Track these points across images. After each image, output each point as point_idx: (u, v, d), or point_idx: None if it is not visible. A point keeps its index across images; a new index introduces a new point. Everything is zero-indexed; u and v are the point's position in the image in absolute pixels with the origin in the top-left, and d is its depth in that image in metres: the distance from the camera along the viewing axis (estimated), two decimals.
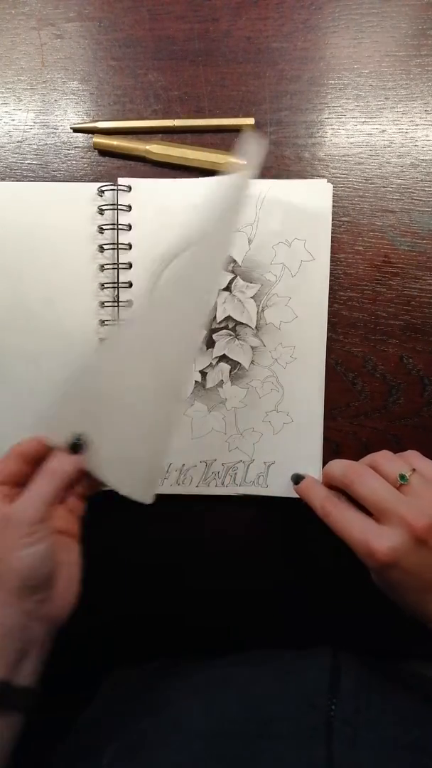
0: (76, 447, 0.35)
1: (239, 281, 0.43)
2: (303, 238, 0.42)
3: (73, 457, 0.35)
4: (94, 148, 0.43)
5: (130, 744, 0.34)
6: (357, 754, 0.31)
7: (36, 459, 0.36)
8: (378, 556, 0.33)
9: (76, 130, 0.43)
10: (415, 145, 0.43)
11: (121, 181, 0.42)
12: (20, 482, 0.35)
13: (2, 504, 0.34)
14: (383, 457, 0.38)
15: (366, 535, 0.34)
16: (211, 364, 0.44)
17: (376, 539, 0.34)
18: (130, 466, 0.36)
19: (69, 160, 0.43)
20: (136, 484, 0.36)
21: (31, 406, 0.44)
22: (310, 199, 0.42)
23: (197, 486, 0.44)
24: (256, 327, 0.43)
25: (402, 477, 0.36)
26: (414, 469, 0.36)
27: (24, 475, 0.35)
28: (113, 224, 0.42)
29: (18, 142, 0.43)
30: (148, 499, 0.36)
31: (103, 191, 0.42)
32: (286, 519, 0.45)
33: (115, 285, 0.43)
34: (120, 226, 0.42)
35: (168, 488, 0.44)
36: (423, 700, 0.36)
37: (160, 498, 0.44)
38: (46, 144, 0.43)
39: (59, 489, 0.34)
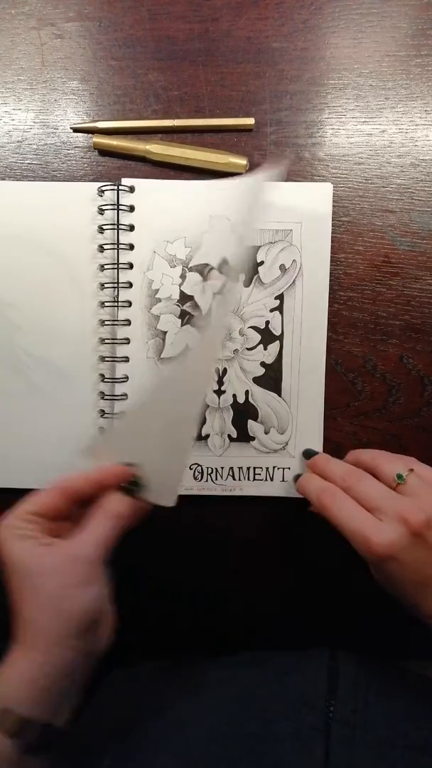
0: (132, 490, 0.35)
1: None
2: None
3: (132, 501, 0.35)
4: (94, 148, 0.43)
5: (131, 746, 0.34)
6: (354, 755, 0.31)
7: (80, 497, 0.35)
8: (376, 550, 0.34)
9: (76, 130, 0.43)
10: (415, 145, 0.43)
11: (124, 181, 0.42)
12: (58, 517, 0.35)
13: (59, 541, 0.33)
14: (382, 457, 0.39)
15: (364, 529, 0.35)
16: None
17: (375, 533, 0.34)
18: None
19: (69, 160, 0.43)
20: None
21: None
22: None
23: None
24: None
25: (399, 477, 0.37)
26: (412, 470, 0.37)
27: (63, 512, 0.34)
28: (113, 224, 0.42)
29: (18, 142, 0.43)
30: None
31: (103, 191, 0.42)
32: (286, 519, 0.45)
33: (115, 285, 0.43)
34: (121, 227, 0.42)
35: None
36: (421, 700, 0.36)
37: None
38: (46, 144, 0.43)
39: (119, 532, 0.34)
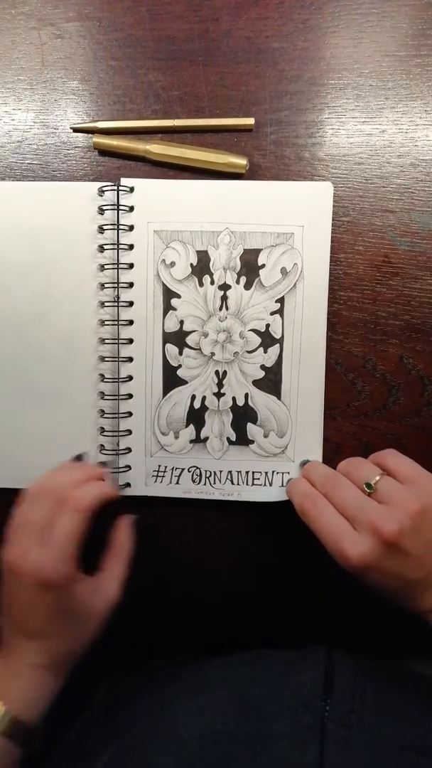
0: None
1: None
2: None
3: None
4: (94, 148, 0.43)
5: (128, 746, 0.34)
6: (350, 754, 0.31)
7: None
8: (350, 562, 0.34)
9: (76, 130, 0.43)
10: (415, 145, 0.42)
11: (124, 181, 0.42)
12: None
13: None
14: (353, 466, 0.38)
15: (339, 541, 0.34)
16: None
17: (349, 545, 0.34)
18: None
19: (69, 160, 0.43)
20: None
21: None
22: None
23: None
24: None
25: (368, 486, 0.36)
26: (382, 473, 0.36)
27: None
28: (113, 224, 0.42)
29: (18, 142, 0.43)
30: None
31: (103, 191, 0.42)
32: (285, 521, 0.45)
33: (116, 285, 0.43)
34: (121, 227, 0.42)
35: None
36: (418, 700, 0.36)
37: (158, 499, 0.44)
38: (46, 144, 0.43)
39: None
